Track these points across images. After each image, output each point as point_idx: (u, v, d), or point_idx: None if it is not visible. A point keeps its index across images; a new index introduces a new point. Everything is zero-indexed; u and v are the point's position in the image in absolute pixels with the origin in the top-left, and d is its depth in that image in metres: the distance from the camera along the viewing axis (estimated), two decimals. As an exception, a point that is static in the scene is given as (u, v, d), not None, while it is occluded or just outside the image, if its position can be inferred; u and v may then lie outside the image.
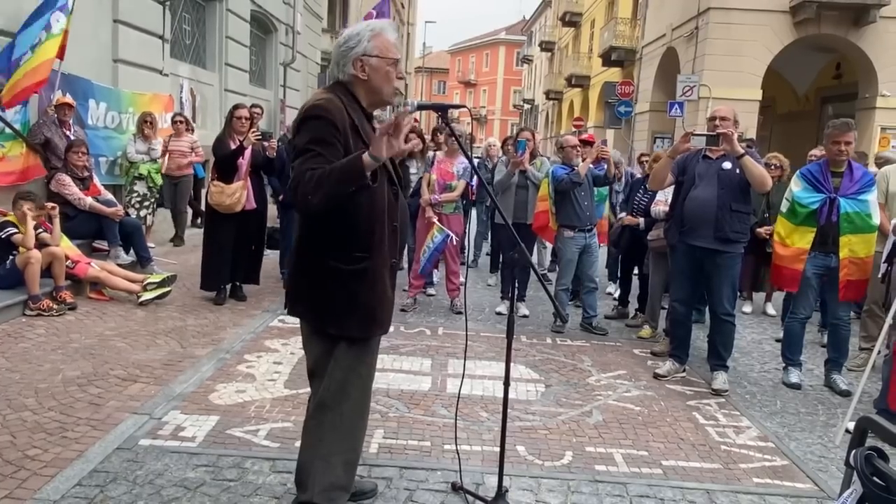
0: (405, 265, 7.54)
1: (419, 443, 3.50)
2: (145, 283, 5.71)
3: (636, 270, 6.80)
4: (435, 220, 6.16)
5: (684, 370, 4.97)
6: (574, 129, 26.70)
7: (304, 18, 16.31)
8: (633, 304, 6.70)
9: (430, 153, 6.70)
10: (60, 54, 6.81)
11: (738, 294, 6.77)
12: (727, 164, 4.65)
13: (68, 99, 7.08)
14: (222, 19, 12.14)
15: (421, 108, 2.55)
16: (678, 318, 4.94)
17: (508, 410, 3.97)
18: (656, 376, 4.85)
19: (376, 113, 2.53)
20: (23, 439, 3.20)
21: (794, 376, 4.95)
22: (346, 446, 2.52)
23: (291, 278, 2.50)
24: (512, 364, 4.86)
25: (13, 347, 4.49)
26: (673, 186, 5.02)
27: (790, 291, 5.15)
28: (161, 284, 5.73)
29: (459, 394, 3.31)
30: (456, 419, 3.19)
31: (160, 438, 3.33)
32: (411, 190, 6.70)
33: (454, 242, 6.12)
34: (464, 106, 2.59)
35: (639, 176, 7.25)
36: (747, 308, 7.40)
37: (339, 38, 2.43)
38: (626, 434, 3.81)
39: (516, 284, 6.51)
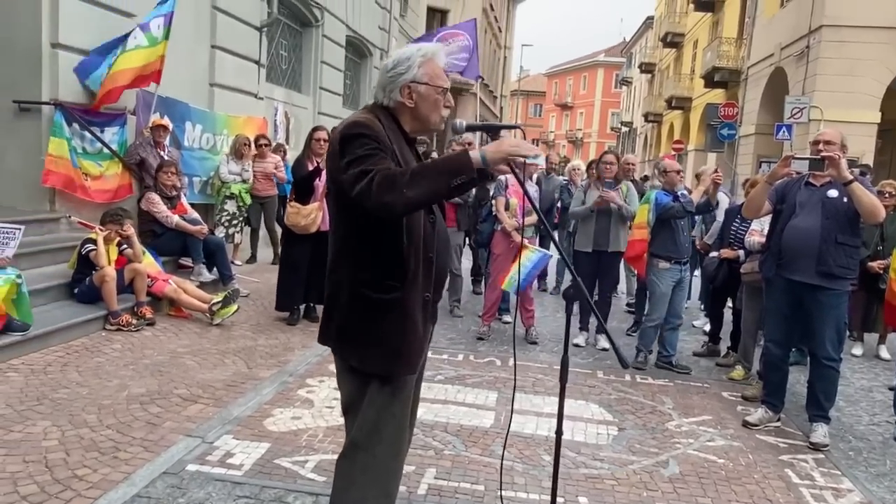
0: (483, 289, 7.34)
1: (472, 486, 3.26)
2: (211, 304, 5.78)
3: (729, 304, 6.30)
4: (527, 242, 5.95)
5: (779, 419, 4.48)
6: (673, 153, 25.80)
7: (398, 43, 16.58)
8: (726, 342, 6.18)
9: (503, 176, 6.47)
10: (157, 78, 7.11)
11: (848, 334, 6.15)
12: (833, 192, 4.18)
13: (164, 121, 7.37)
14: (318, 45, 12.48)
15: (470, 129, 2.36)
16: (773, 360, 4.47)
17: (573, 455, 3.71)
18: (746, 424, 4.40)
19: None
20: (76, 457, 3.21)
21: (910, 432, 4.37)
22: (379, 491, 2.33)
23: (324, 302, 2.35)
24: (584, 402, 4.62)
25: (88, 362, 4.61)
26: (770, 215, 4.59)
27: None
28: (225, 303, 5.76)
29: (507, 434, 3.06)
30: (502, 462, 2.92)
31: (208, 464, 3.26)
32: (483, 215, 6.52)
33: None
34: (517, 126, 2.38)
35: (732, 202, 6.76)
36: (857, 350, 6.69)
37: (387, 62, 2.28)
38: (706, 490, 3.42)
39: (578, 315, 6.23)
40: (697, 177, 6.04)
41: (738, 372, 5.54)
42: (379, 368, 2.23)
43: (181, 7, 7.96)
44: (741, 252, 5.66)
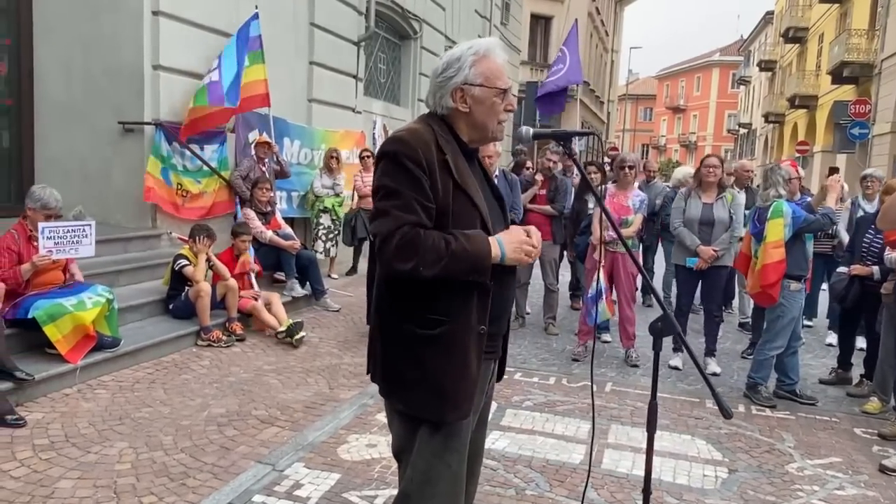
0: (581, 305, 6.92)
1: (554, 535, 2.93)
2: (276, 333, 5.72)
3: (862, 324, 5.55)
4: (601, 262, 5.51)
5: (925, 465, 3.83)
6: (797, 155, 24.04)
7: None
8: (858, 368, 5.45)
9: (602, 186, 6.04)
10: (267, 101, 7.22)
11: None
12: None
13: (265, 138, 7.43)
14: (416, 57, 12.46)
15: (537, 137, 2.07)
16: (916, 396, 3.84)
17: (674, 501, 3.29)
18: (883, 470, 3.78)
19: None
20: (144, 483, 3.15)
21: None
22: (434, 550, 2.06)
23: (369, 337, 2.13)
24: (689, 437, 4.15)
25: (175, 379, 4.63)
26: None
27: None
28: (289, 334, 5.64)
29: (589, 473, 2.71)
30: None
31: (274, 495, 3.12)
32: (583, 226, 6.13)
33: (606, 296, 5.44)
34: (592, 132, 2.06)
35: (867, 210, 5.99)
36: None
37: (438, 65, 2.03)
38: (834, 553, 2.92)
39: (685, 338, 5.64)
40: (824, 188, 5.29)
41: (874, 404, 4.84)
42: (426, 413, 1.97)
43: (280, 26, 8.14)
44: (875, 268, 4.97)
